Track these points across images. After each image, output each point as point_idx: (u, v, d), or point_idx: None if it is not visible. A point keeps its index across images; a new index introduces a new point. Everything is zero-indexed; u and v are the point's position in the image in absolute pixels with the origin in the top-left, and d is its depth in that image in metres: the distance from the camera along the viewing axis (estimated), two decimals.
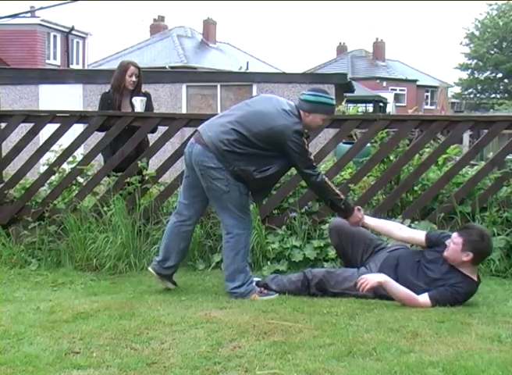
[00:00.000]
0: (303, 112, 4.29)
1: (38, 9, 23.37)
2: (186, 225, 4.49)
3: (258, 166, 4.21)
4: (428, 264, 4.22)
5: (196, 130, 4.43)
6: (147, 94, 5.98)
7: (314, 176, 4.30)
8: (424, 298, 4.06)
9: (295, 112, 4.26)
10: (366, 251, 4.50)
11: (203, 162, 4.22)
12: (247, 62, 28.60)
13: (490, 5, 50.48)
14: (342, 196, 4.42)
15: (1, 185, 5.76)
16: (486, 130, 5.55)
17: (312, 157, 4.32)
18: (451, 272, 4.14)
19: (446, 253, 4.17)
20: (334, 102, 4.44)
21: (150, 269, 4.55)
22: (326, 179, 4.40)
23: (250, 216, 4.43)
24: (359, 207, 4.55)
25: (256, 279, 4.54)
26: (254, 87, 14.66)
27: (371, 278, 4.08)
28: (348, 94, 19.41)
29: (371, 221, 4.57)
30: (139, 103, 5.78)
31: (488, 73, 50.70)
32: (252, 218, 4.55)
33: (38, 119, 5.78)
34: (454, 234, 4.18)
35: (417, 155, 5.63)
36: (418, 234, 4.48)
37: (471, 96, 51.81)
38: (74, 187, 5.78)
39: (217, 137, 4.20)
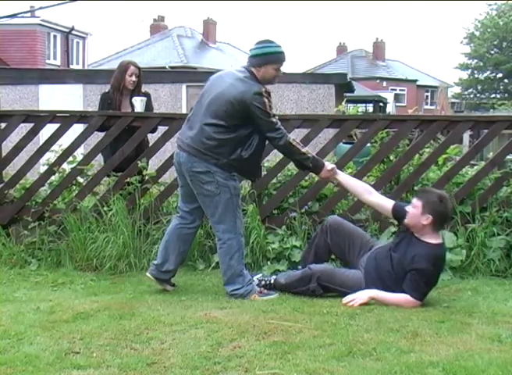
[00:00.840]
0: (255, 69, 4.26)
1: (38, 9, 23.39)
2: (188, 228, 4.50)
3: (242, 146, 4.22)
4: (395, 248, 4.24)
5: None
6: (147, 94, 5.98)
7: (277, 139, 4.26)
8: (410, 297, 4.06)
9: (248, 75, 4.24)
10: (360, 251, 4.49)
11: (191, 168, 4.25)
12: None
13: (490, 5, 50.59)
14: (309, 154, 4.37)
15: (1, 185, 5.75)
16: (486, 130, 5.55)
17: (276, 119, 4.25)
18: (412, 245, 4.14)
19: (406, 220, 4.20)
20: (281, 49, 4.34)
21: (148, 274, 4.54)
22: (291, 139, 4.32)
23: (240, 218, 4.43)
24: (333, 165, 4.48)
25: (256, 277, 4.55)
26: None
27: (361, 296, 4.08)
28: (348, 94, 19.41)
29: (342, 178, 4.54)
30: (139, 103, 5.78)
31: (488, 73, 50.70)
32: (242, 220, 4.51)
33: (38, 119, 5.77)
34: (413, 199, 4.22)
35: (417, 155, 5.63)
36: (387, 202, 4.47)
37: (471, 96, 51.80)
38: (74, 187, 5.78)
39: (194, 141, 4.24)
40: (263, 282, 4.51)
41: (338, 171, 4.52)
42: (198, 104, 4.39)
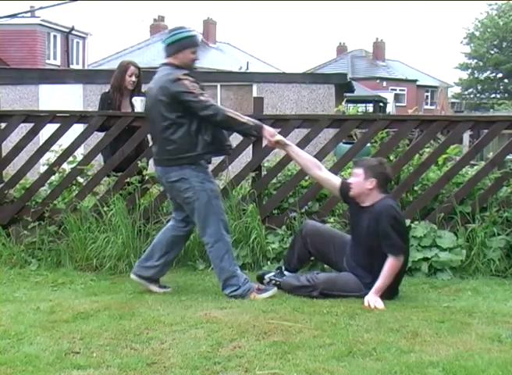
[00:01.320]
0: (172, 58, 4.31)
1: (38, 9, 23.38)
2: (181, 230, 4.55)
3: (200, 132, 4.24)
4: (358, 228, 4.31)
5: None
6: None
7: (213, 116, 4.21)
8: (390, 258, 4.12)
9: (167, 68, 4.30)
10: (344, 250, 4.48)
11: (168, 178, 4.32)
12: (247, 62, 28.58)
13: (490, 5, 50.61)
14: (251, 123, 4.30)
15: (1, 185, 5.76)
16: (486, 130, 5.55)
17: (204, 96, 4.23)
18: (370, 214, 4.20)
19: (351, 192, 4.30)
20: (193, 33, 4.39)
21: (131, 276, 4.56)
22: (228, 111, 4.27)
23: (224, 219, 4.41)
24: (281, 137, 4.43)
25: (267, 276, 4.57)
26: (254, 87, 14.65)
27: (373, 301, 4.09)
28: (348, 94, 19.39)
29: (292, 150, 4.49)
30: (139, 103, 5.77)
31: (488, 73, 50.68)
32: (226, 221, 4.48)
33: (38, 119, 5.78)
34: (353, 170, 4.35)
35: (417, 155, 5.64)
36: (336, 179, 4.54)
37: (471, 96, 51.79)
38: (74, 187, 5.79)
39: (161, 153, 4.33)
40: (273, 282, 4.52)
41: (288, 142, 4.48)
42: (149, 123, 4.53)
